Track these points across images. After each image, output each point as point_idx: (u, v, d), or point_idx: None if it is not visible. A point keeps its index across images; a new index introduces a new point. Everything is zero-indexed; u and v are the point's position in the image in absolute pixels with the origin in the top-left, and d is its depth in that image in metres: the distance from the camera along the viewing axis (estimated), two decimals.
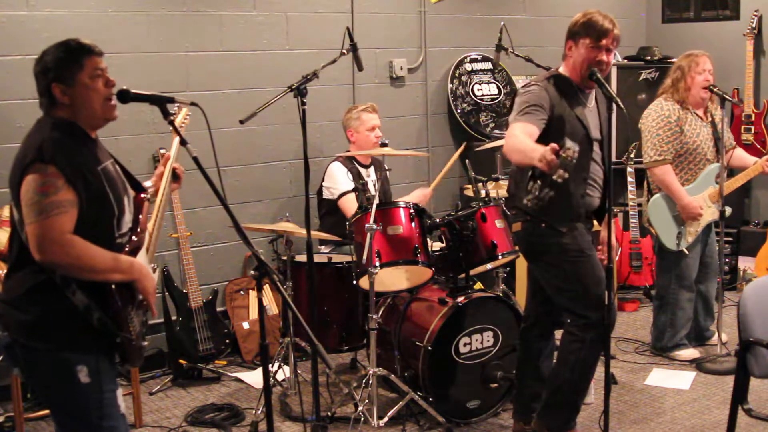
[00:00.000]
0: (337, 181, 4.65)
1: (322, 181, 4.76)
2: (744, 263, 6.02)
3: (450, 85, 5.84)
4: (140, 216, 2.65)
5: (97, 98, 2.49)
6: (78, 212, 2.38)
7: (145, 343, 2.63)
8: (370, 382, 3.78)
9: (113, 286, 2.44)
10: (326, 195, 4.72)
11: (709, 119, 4.63)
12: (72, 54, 2.47)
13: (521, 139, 3.18)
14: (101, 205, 2.45)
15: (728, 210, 4.54)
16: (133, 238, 2.59)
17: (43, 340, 2.44)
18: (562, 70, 3.45)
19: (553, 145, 2.90)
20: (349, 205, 4.54)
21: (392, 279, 4.08)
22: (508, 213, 4.12)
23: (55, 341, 2.44)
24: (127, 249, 2.54)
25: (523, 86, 3.51)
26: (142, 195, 2.70)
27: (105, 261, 2.42)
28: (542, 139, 3.32)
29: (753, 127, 6.16)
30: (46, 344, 2.44)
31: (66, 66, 2.46)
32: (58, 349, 2.44)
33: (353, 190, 4.62)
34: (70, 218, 2.36)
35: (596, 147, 3.45)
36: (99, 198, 2.44)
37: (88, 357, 2.47)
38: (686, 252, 4.61)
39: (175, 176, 2.90)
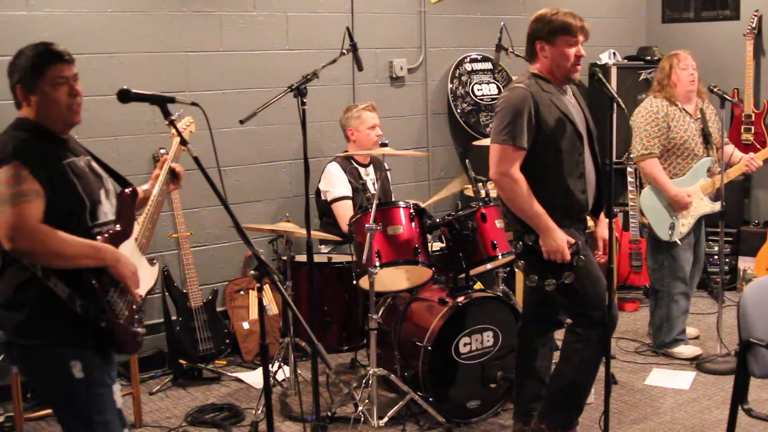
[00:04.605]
0: (333, 183, 4.64)
1: (319, 182, 4.76)
2: (744, 263, 6.02)
3: (450, 85, 5.84)
4: (126, 209, 2.68)
5: (55, 107, 2.51)
6: (46, 204, 2.42)
7: (140, 329, 2.64)
8: (370, 382, 3.78)
9: (91, 276, 2.47)
10: (322, 197, 4.72)
11: (699, 115, 4.66)
12: (36, 61, 2.50)
13: (532, 204, 3.31)
14: (69, 197, 2.49)
15: (717, 204, 4.61)
16: (117, 227, 2.62)
17: (37, 337, 2.48)
18: (536, 71, 3.44)
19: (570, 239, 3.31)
20: (342, 211, 4.52)
21: (392, 279, 4.08)
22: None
23: (48, 338, 2.48)
24: (106, 236, 2.56)
25: (508, 87, 3.49)
26: (126, 190, 2.73)
27: (73, 247, 2.45)
28: (533, 140, 3.33)
29: (753, 127, 6.16)
30: (40, 341, 2.48)
31: (28, 73, 2.49)
32: (52, 345, 2.49)
33: (349, 197, 4.60)
34: (36, 207, 2.40)
35: (586, 144, 3.45)
36: (66, 190, 2.48)
37: (82, 352, 2.51)
38: (679, 243, 4.63)
39: (174, 175, 2.92)
